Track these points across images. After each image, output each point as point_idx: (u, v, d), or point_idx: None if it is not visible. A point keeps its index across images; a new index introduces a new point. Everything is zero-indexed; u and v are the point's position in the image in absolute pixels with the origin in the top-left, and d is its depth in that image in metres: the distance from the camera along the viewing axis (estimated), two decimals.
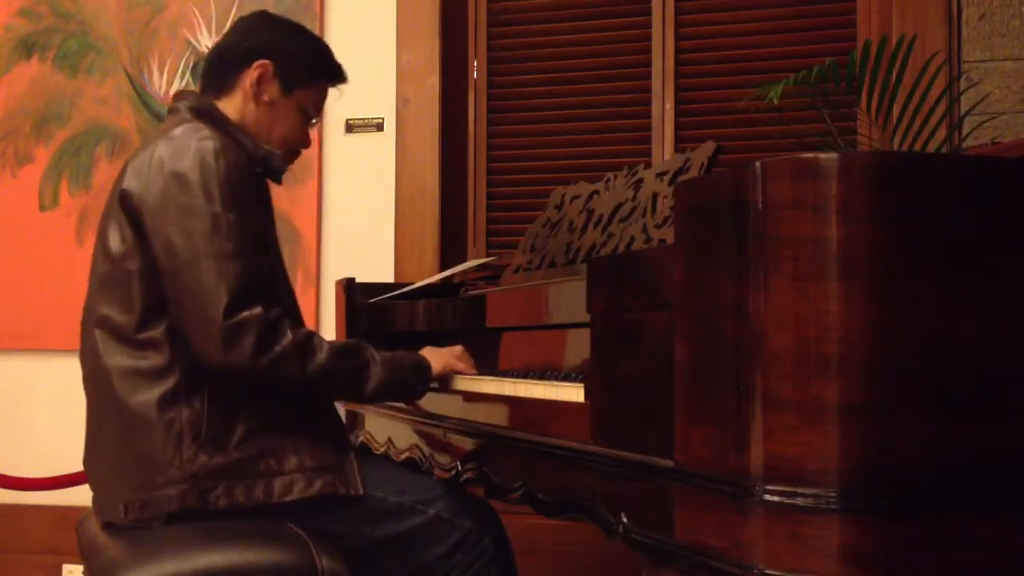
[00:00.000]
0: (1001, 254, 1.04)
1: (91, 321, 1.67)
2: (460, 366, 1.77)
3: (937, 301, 1.01)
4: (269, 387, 1.59)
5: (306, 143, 1.88)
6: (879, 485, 0.98)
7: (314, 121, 1.86)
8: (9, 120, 3.15)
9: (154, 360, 1.58)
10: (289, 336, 1.54)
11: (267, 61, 1.77)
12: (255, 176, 1.67)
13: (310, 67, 1.83)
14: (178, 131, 1.63)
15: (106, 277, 1.65)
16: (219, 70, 1.81)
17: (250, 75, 1.77)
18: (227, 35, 1.86)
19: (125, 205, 1.61)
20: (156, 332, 1.58)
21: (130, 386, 1.58)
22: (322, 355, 1.57)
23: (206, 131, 1.62)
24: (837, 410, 0.98)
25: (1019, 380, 1.03)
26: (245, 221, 1.57)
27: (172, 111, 1.77)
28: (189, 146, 1.58)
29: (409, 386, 1.73)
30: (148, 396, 1.57)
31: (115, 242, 1.63)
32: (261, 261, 1.59)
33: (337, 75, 1.88)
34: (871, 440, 0.98)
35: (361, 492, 1.62)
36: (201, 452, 1.55)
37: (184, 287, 1.54)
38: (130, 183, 1.61)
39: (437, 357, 1.76)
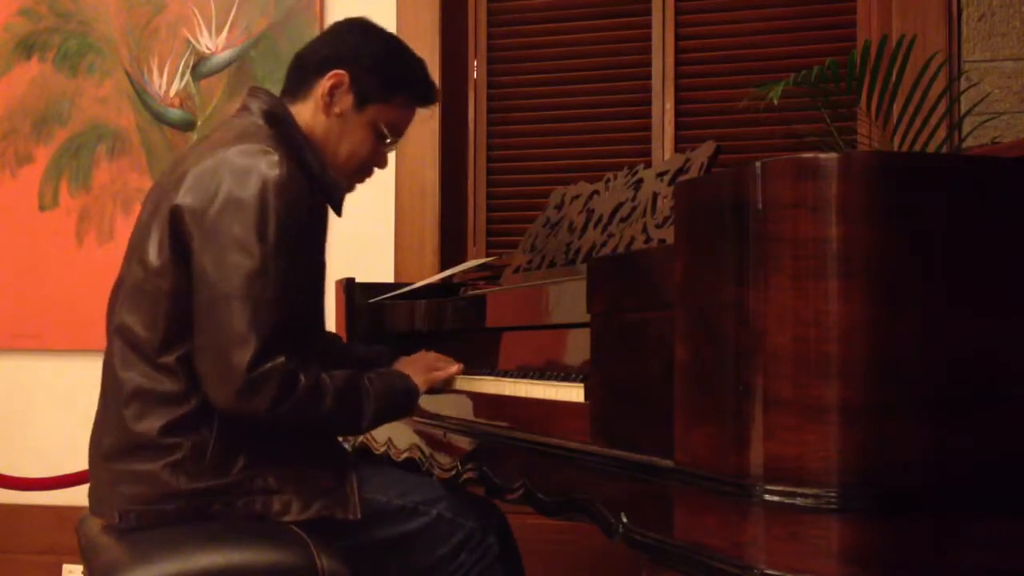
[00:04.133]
0: (1001, 254, 1.04)
1: (113, 326, 1.62)
2: (440, 374, 1.75)
3: (937, 301, 1.01)
4: (272, 429, 1.56)
5: (379, 163, 1.79)
6: (879, 485, 0.98)
7: (389, 141, 1.76)
8: (9, 120, 3.15)
9: (170, 386, 1.53)
10: (302, 383, 1.50)
11: (343, 71, 1.69)
12: (315, 207, 1.61)
13: (388, 82, 1.73)
14: (246, 147, 1.55)
15: (136, 286, 1.58)
16: (298, 72, 1.74)
17: (323, 84, 1.70)
18: (317, 37, 1.79)
19: (174, 221, 1.53)
20: (176, 357, 1.53)
21: (139, 409, 1.54)
22: (328, 399, 1.54)
23: (274, 156, 1.53)
24: (837, 410, 0.98)
25: (1019, 380, 1.03)
26: (293, 266, 1.51)
27: (243, 108, 1.70)
28: (253, 171, 1.51)
29: (398, 414, 1.73)
30: (156, 422, 1.53)
31: (153, 254, 1.56)
32: (298, 306, 1.53)
33: (422, 97, 1.78)
34: (871, 440, 0.98)
35: (359, 516, 1.58)
36: (201, 478, 1.53)
37: (214, 322, 1.48)
38: (185, 199, 1.53)
39: (415, 369, 1.74)
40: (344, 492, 1.60)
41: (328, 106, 1.71)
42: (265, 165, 1.52)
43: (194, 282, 1.51)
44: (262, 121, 1.66)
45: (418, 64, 1.79)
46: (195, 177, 1.54)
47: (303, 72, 1.73)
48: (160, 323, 1.55)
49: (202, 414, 1.53)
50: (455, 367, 1.76)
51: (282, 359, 1.47)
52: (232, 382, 1.46)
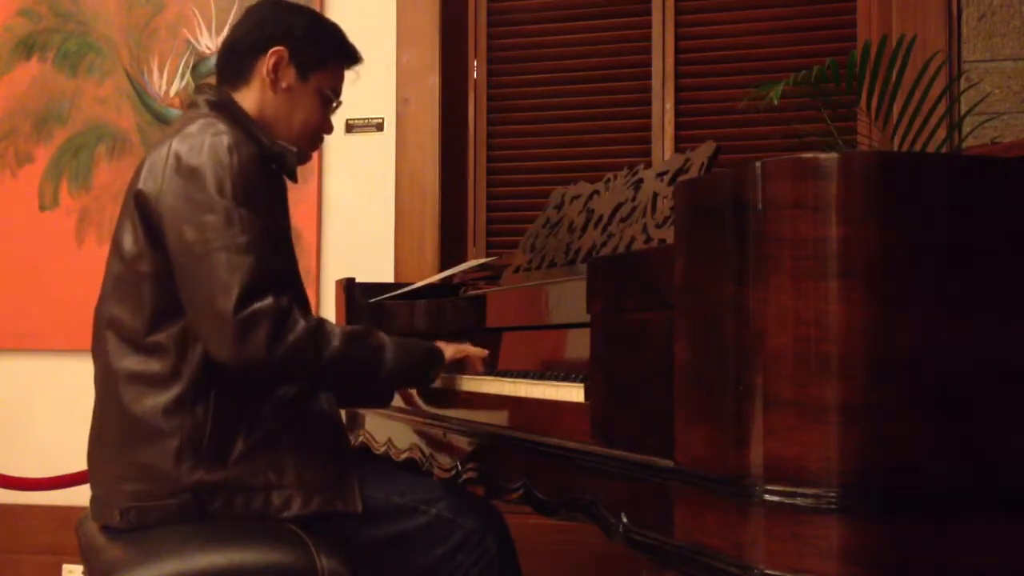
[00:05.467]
0: (1001, 254, 1.04)
1: (102, 321, 1.65)
2: (473, 350, 1.76)
3: (937, 301, 1.01)
4: (285, 379, 1.58)
5: (327, 128, 1.85)
6: (879, 485, 0.98)
7: (334, 105, 1.84)
8: (9, 120, 3.15)
9: (160, 366, 1.56)
10: (302, 323, 1.51)
11: (282, 47, 1.75)
12: (269, 172, 1.66)
13: (324, 49, 1.81)
14: (193, 127, 1.61)
15: (118, 278, 1.63)
16: (233, 61, 1.78)
17: (266, 63, 1.75)
18: (237, 25, 1.83)
19: (140, 205, 1.59)
20: (164, 336, 1.56)
21: (135, 392, 1.56)
22: (336, 341, 1.55)
23: (221, 126, 1.60)
24: (837, 410, 0.98)
25: (1019, 380, 1.03)
26: (257, 216, 1.54)
27: (191, 104, 1.76)
28: (203, 142, 1.56)
29: (422, 372, 1.70)
30: (152, 403, 1.55)
31: (128, 243, 1.61)
32: (274, 255, 1.55)
33: (352, 56, 1.86)
34: (871, 440, 0.98)
35: (360, 510, 1.60)
36: (200, 466, 1.54)
37: (197, 281, 1.51)
38: (145, 183, 1.59)
39: (447, 346, 1.75)
40: (345, 485, 1.61)
41: (275, 83, 1.76)
42: (212, 134, 1.57)
43: (173, 256, 1.55)
44: (208, 109, 1.71)
45: (339, 29, 1.86)
46: (150, 164, 1.61)
47: (237, 58, 1.78)
48: (145, 306, 1.58)
49: (195, 393, 1.55)
50: (484, 351, 1.77)
51: (270, 299, 1.48)
52: (225, 329, 1.47)
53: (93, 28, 3.12)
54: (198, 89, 1.78)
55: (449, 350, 1.74)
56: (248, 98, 1.76)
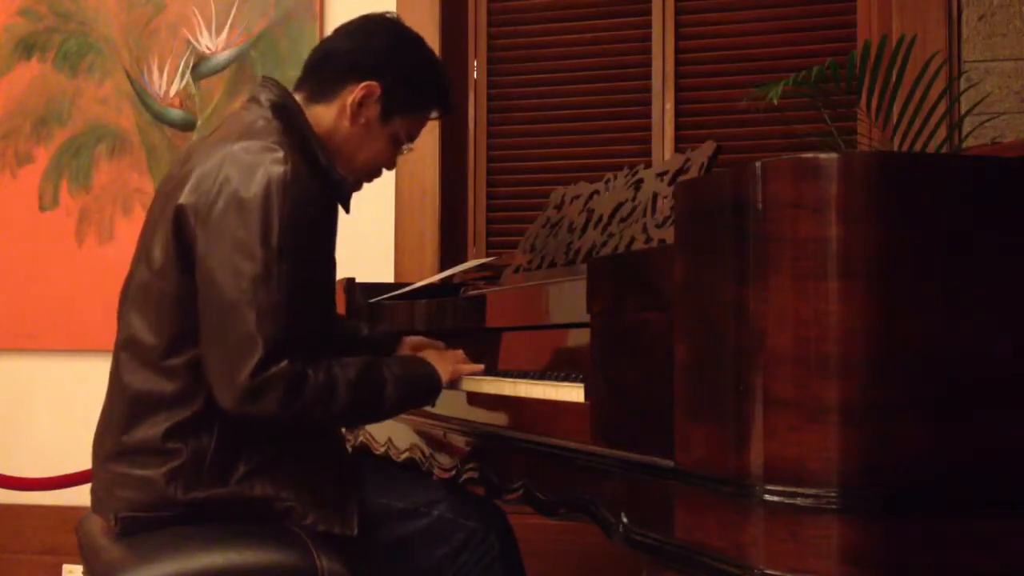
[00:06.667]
0: (1001, 254, 1.04)
1: (123, 328, 1.60)
2: (467, 369, 1.71)
3: (937, 301, 1.01)
4: (287, 426, 1.54)
5: (390, 167, 1.77)
6: (879, 485, 0.98)
7: (404, 149, 1.75)
8: (9, 120, 3.15)
9: (172, 388, 1.52)
10: (311, 382, 1.46)
11: (376, 83, 1.66)
12: (321, 204, 1.56)
13: (417, 96, 1.72)
14: (249, 145, 1.51)
15: (142, 288, 1.57)
16: (322, 73, 1.69)
17: (355, 93, 1.66)
18: (344, 34, 1.73)
19: (178, 221, 1.50)
20: (181, 360, 1.52)
21: (140, 411, 1.53)
22: (341, 391, 1.49)
23: (279, 153, 1.49)
24: (837, 410, 0.98)
25: (1019, 380, 1.03)
26: (299, 268, 1.47)
27: (252, 99, 1.66)
28: (258, 168, 1.47)
29: (421, 402, 1.69)
30: (156, 426, 1.51)
31: (158, 254, 1.53)
32: (305, 309, 1.49)
33: (444, 107, 1.76)
34: (871, 440, 0.98)
35: (355, 533, 1.56)
36: (199, 487, 1.51)
37: (219, 328, 1.46)
38: (188, 199, 1.50)
39: (442, 363, 1.70)
40: (343, 508, 1.58)
41: (355, 115, 1.67)
42: (270, 162, 1.48)
43: (199, 285, 1.49)
44: (270, 114, 1.62)
45: (445, 75, 1.76)
46: (199, 176, 1.51)
47: (330, 73, 1.69)
48: (166, 327, 1.53)
49: (204, 419, 1.51)
50: (479, 366, 1.73)
51: (286, 362, 1.43)
52: (236, 387, 1.43)
53: (93, 28, 3.12)
54: (263, 83, 1.68)
55: (444, 373, 1.68)
56: (322, 117, 1.67)
